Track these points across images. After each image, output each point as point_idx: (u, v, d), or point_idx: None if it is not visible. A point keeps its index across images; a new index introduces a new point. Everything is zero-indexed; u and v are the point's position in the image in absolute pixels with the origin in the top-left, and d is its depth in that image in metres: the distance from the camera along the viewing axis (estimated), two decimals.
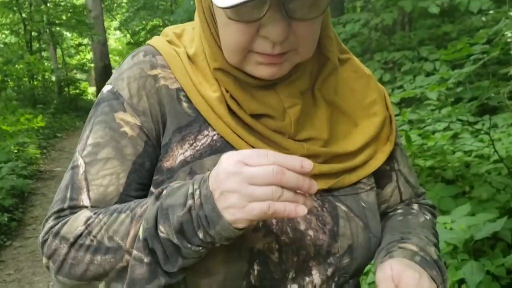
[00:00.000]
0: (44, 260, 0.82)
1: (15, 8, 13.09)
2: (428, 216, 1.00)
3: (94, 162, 0.83)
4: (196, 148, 0.83)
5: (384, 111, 0.95)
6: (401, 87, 4.54)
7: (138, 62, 0.88)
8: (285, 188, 0.66)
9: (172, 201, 0.72)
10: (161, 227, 0.71)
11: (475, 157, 3.26)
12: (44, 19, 14.13)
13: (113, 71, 18.17)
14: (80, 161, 0.84)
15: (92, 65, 19.57)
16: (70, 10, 15.24)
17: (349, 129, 0.91)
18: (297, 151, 0.83)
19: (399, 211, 1.01)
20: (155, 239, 0.72)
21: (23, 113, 6.82)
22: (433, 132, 3.54)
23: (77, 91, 16.95)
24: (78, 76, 19.91)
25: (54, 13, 14.62)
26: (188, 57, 0.87)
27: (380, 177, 0.97)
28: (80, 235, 0.78)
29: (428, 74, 4.71)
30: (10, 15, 14.35)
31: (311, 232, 0.83)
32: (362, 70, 0.97)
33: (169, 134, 0.84)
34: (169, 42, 0.91)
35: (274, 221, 0.81)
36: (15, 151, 7.48)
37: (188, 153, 0.82)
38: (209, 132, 0.84)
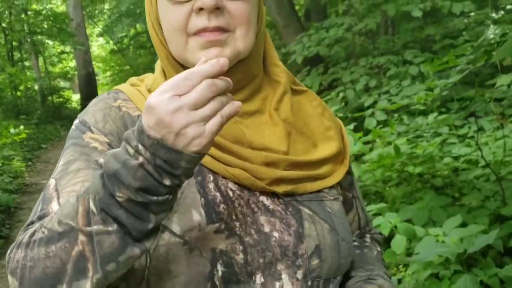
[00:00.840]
0: (9, 279, 0.77)
1: None
2: (379, 248, 1.08)
3: (64, 175, 0.84)
4: None
5: (340, 140, 1.00)
6: (387, 92, 4.57)
7: (102, 98, 0.95)
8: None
9: (116, 165, 0.68)
10: (117, 193, 0.67)
11: (464, 162, 3.27)
12: (25, 28, 13.99)
13: (97, 78, 18.01)
14: (51, 181, 0.85)
15: (76, 72, 19.43)
16: (51, 19, 15.11)
17: (308, 148, 0.94)
18: (257, 159, 0.86)
19: (355, 243, 1.06)
20: (114, 205, 0.68)
21: (7, 127, 6.71)
22: (419, 136, 3.54)
23: (61, 99, 16.82)
24: (62, 84, 19.75)
25: (35, 22, 14.48)
26: (148, 90, 0.93)
27: (344, 203, 1.00)
28: (33, 232, 0.75)
29: (413, 78, 4.74)
30: None
31: (276, 234, 0.85)
32: (319, 100, 1.03)
33: None
34: (132, 85, 0.98)
35: (237, 224, 0.83)
36: (0, 165, 7.38)
37: None
38: None
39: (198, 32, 0.83)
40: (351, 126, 3.79)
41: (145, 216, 0.69)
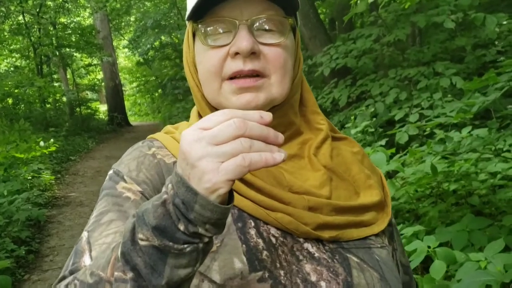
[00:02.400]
0: None
1: (24, 33, 13.22)
2: None
3: (97, 227, 0.82)
4: None
5: (381, 189, 0.97)
6: (418, 105, 4.47)
7: (136, 147, 0.95)
8: (253, 140, 0.62)
9: (146, 205, 0.65)
10: (139, 235, 0.63)
11: (501, 179, 3.16)
12: (54, 42, 14.26)
13: (123, 89, 18.36)
14: (84, 233, 0.82)
15: (103, 84, 19.74)
16: (79, 32, 15.38)
17: (350, 195, 0.90)
18: (299, 202, 0.82)
19: None
20: (134, 251, 0.63)
21: (36, 140, 6.81)
22: (454, 153, 3.44)
23: (89, 110, 17.06)
24: (89, 95, 20.06)
25: (63, 35, 14.75)
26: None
27: None
28: (66, 286, 0.72)
29: (445, 90, 4.62)
30: (20, 39, 14.51)
31: (323, 284, 0.80)
32: (359, 148, 1.01)
33: None
34: (166, 133, 0.98)
35: (282, 272, 0.78)
36: (29, 177, 7.48)
37: None
38: None
39: (233, 75, 0.84)
40: (383, 142, 3.71)
41: (159, 267, 0.63)
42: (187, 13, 0.89)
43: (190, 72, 0.93)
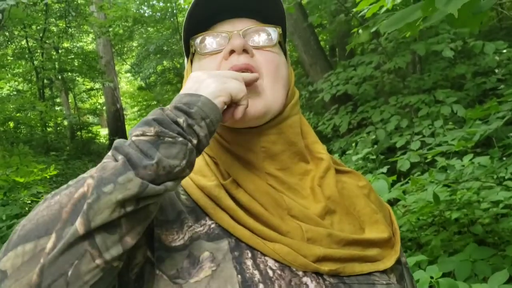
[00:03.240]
0: None
1: (27, 57, 13.33)
2: None
3: None
4: (195, 231, 0.82)
5: (388, 224, 0.95)
6: (419, 133, 4.48)
7: None
8: None
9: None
10: (133, 133, 0.71)
11: (504, 208, 3.14)
12: (56, 66, 14.37)
13: (125, 113, 18.36)
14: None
15: (104, 108, 19.81)
16: (82, 57, 15.50)
17: (355, 230, 0.87)
18: (297, 232, 0.81)
19: None
20: (127, 145, 0.69)
21: (36, 166, 6.81)
22: (456, 181, 3.43)
23: (90, 134, 17.08)
24: (90, 119, 20.12)
25: (66, 60, 14.87)
26: None
27: None
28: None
29: (446, 118, 4.64)
30: (23, 63, 14.62)
31: None
32: (365, 182, 0.99)
33: (167, 218, 0.83)
34: None
35: None
36: (28, 202, 7.43)
37: (186, 236, 0.80)
38: (206, 221, 0.83)
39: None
40: (384, 169, 3.70)
41: (151, 152, 0.68)
42: (184, 31, 0.93)
43: None
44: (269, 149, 0.88)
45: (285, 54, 0.95)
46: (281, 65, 0.90)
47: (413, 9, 1.63)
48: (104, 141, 19.24)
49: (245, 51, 0.86)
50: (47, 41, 13.56)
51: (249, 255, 0.79)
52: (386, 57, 5.72)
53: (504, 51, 5.26)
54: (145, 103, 22.59)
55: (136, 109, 24.46)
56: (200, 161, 0.91)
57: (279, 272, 0.78)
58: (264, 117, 0.86)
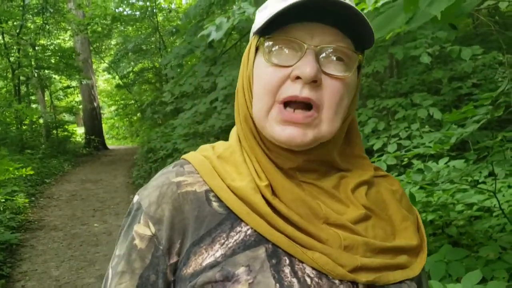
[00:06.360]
0: None
1: (2, 54, 13.10)
2: None
3: (115, 275, 0.85)
4: (228, 246, 0.79)
5: (416, 231, 0.92)
6: (396, 135, 4.55)
7: (165, 172, 0.90)
8: None
9: None
10: None
11: (477, 211, 3.22)
12: (33, 63, 14.16)
13: (102, 112, 18.27)
14: (109, 272, 0.87)
15: (81, 106, 19.59)
16: (59, 54, 15.30)
17: (387, 235, 0.87)
18: (335, 240, 0.79)
19: None
20: None
21: (11, 164, 6.71)
22: (432, 183, 3.50)
23: (66, 133, 16.86)
24: (66, 118, 19.86)
25: (43, 57, 14.65)
26: (218, 157, 0.89)
27: None
28: None
29: (422, 121, 4.72)
30: None
31: None
32: (398, 186, 0.98)
33: (193, 240, 0.81)
34: (200, 151, 0.94)
35: None
36: (3, 200, 7.33)
37: (219, 253, 0.79)
38: (241, 227, 0.81)
39: (286, 100, 0.80)
40: None
41: None
42: (255, 26, 0.87)
43: (243, 87, 0.90)
44: (307, 166, 0.86)
45: (359, 69, 0.88)
46: (346, 95, 0.83)
47: (396, 11, 1.65)
48: (80, 139, 19.03)
49: (314, 81, 0.79)
50: (23, 38, 13.35)
51: (287, 262, 0.78)
52: (365, 60, 5.78)
53: (479, 57, 5.37)
54: (122, 102, 22.42)
55: (113, 108, 24.27)
56: (237, 155, 0.88)
57: (316, 280, 0.77)
58: (311, 146, 0.83)
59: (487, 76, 5.64)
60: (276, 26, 0.82)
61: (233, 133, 0.94)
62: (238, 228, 0.81)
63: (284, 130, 0.80)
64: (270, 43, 0.82)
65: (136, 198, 0.89)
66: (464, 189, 3.48)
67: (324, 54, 0.80)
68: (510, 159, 2.31)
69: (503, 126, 4.46)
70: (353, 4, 0.80)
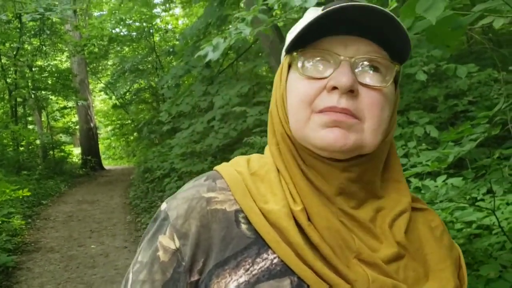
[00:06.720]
0: None
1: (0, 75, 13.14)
2: None
3: (136, 282, 0.83)
4: (253, 273, 0.76)
5: (455, 272, 0.88)
6: None
7: (197, 184, 0.87)
8: None
9: None
10: None
11: (477, 228, 3.21)
12: (30, 84, 14.19)
13: (98, 132, 18.27)
14: (130, 275, 0.85)
15: (77, 127, 19.59)
16: (56, 75, 15.35)
17: (419, 278, 0.82)
18: (363, 282, 0.76)
19: None
20: None
21: (8, 186, 6.68)
22: (430, 202, 3.49)
23: (62, 154, 16.83)
24: (63, 138, 19.84)
25: (39, 78, 14.70)
26: (251, 174, 0.86)
27: None
28: None
29: (419, 139, 4.73)
30: None
31: None
32: (438, 222, 0.92)
33: (217, 261, 0.79)
34: (236, 168, 0.89)
35: None
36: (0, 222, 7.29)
37: (242, 279, 0.76)
38: (268, 255, 0.78)
39: (324, 110, 0.77)
40: None
41: None
42: (286, 45, 0.85)
43: (276, 106, 0.87)
44: (347, 187, 0.81)
45: (397, 82, 0.85)
46: (386, 107, 0.80)
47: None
48: (76, 160, 18.98)
49: (351, 91, 0.76)
50: (20, 59, 13.40)
51: None
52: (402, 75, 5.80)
53: (475, 74, 5.41)
54: (119, 122, 22.44)
55: (109, 128, 24.26)
56: (273, 176, 0.85)
57: None
58: (352, 153, 0.80)
59: (482, 93, 5.67)
60: (309, 40, 0.80)
61: (268, 150, 0.91)
62: (265, 255, 0.78)
63: (327, 133, 0.77)
64: (303, 56, 0.81)
65: (164, 206, 0.87)
66: (462, 207, 3.47)
67: (359, 65, 0.79)
68: (508, 177, 2.32)
69: (500, 143, 4.48)
70: (390, 14, 0.77)
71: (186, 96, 8.43)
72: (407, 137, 4.81)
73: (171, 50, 11.28)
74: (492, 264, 2.66)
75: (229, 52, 8.83)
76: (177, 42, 11.77)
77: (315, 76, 0.79)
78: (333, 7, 0.76)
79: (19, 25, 12.84)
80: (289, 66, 0.85)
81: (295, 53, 0.82)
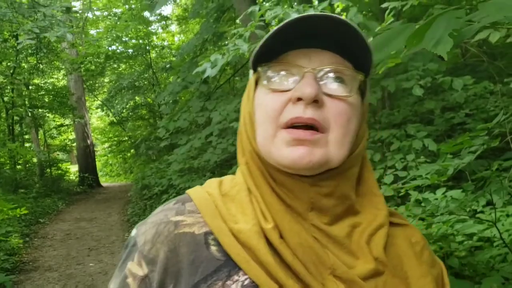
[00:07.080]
0: None
1: None
2: None
3: None
4: None
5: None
6: (392, 167, 4.56)
7: (165, 208, 0.87)
8: None
9: None
10: None
11: (478, 241, 3.21)
12: (26, 102, 14.19)
13: (95, 149, 18.21)
14: None
15: (74, 144, 19.57)
16: (52, 93, 15.37)
17: None
18: None
19: None
20: None
21: (5, 205, 6.65)
22: (431, 214, 3.49)
23: (59, 171, 16.78)
24: (60, 156, 19.81)
25: (36, 96, 14.71)
26: (223, 195, 0.85)
27: None
28: None
29: (417, 152, 4.74)
30: None
31: None
32: (419, 237, 0.90)
33: (188, 286, 0.77)
34: (206, 187, 0.89)
35: None
36: None
37: None
38: (239, 276, 0.76)
39: (290, 123, 0.77)
40: None
41: None
42: (251, 59, 0.85)
43: (245, 124, 0.86)
44: (319, 202, 0.80)
45: (363, 94, 0.85)
46: (353, 118, 0.80)
47: (393, 34, 1.66)
48: (74, 177, 18.93)
49: (315, 101, 0.76)
50: (17, 77, 13.42)
51: None
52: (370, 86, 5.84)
53: (470, 87, 5.45)
54: (116, 138, 22.42)
55: (107, 145, 24.23)
56: (243, 195, 0.84)
57: None
58: (319, 169, 0.78)
59: (478, 106, 5.70)
60: (273, 55, 0.81)
61: (239, 171, 0.90)
62: (236, 277, 0.76)
63: (292, 152, 0.76)
64: (268, 70, 0.81)
65: (134, 232, 0.87)
66: (463, 219, 3.47)
67: (323, 76, 0.79)
68: (507, 188, 2.32)
69: (498, 155, 4.50)
70: (346, 20, 0.77)
71: (183, 112, 8.45)
72: (405, 150, 4.83)
73: (167, 66, 11.32)
74: (494, 276, 2.65)
75: (226, 67, 8.86)
76: (174, 58, 11.82)
77: (280, 89, 0.79)
78: (292, 18, 0.76)
79: (16, 44, 12.88)
80: (256, 83, 0.85)
81: (259, 68, 0.82)
